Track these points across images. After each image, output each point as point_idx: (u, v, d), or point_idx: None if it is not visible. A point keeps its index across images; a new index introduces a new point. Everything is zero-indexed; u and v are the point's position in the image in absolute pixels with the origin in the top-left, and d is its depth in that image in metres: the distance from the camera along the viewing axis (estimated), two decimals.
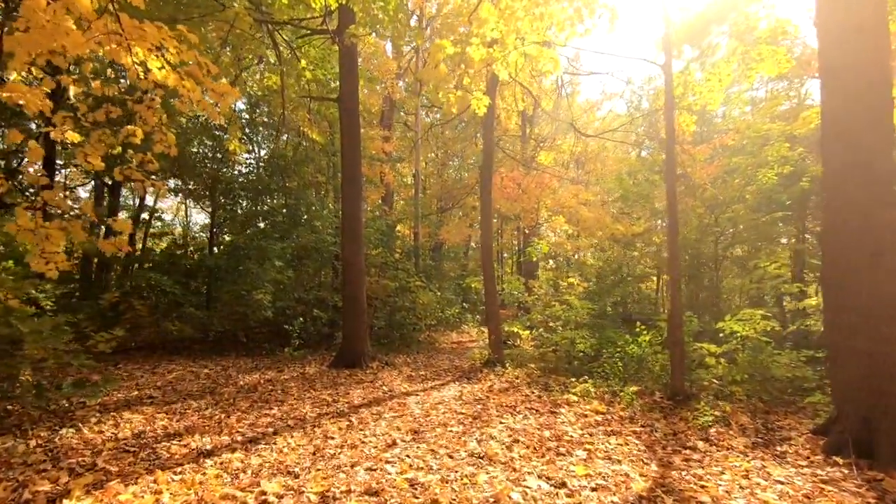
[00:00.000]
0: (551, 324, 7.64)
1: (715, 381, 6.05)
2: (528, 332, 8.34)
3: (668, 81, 6.13)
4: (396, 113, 20.72)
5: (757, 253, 12.52)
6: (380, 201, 18.44)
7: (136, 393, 6.04)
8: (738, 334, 6.34)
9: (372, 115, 19.34)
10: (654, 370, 6.62)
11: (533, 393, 6.26)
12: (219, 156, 11.08)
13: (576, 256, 19.35)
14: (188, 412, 5.16)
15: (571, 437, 4.51)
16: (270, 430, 4.58)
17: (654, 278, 17.57)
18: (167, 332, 9.17)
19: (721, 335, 6.63)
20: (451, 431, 4.61)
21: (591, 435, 4.60)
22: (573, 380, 6.83)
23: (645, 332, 6.81)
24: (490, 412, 5.36)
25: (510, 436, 4.50)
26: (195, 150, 10.57)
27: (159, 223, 16.35)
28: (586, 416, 5.25)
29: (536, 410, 5.44)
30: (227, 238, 12.21)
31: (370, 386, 6.79)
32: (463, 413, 5.31)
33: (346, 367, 8.13)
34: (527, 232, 18.71)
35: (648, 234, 12.71)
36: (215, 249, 11.53)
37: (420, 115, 17.25)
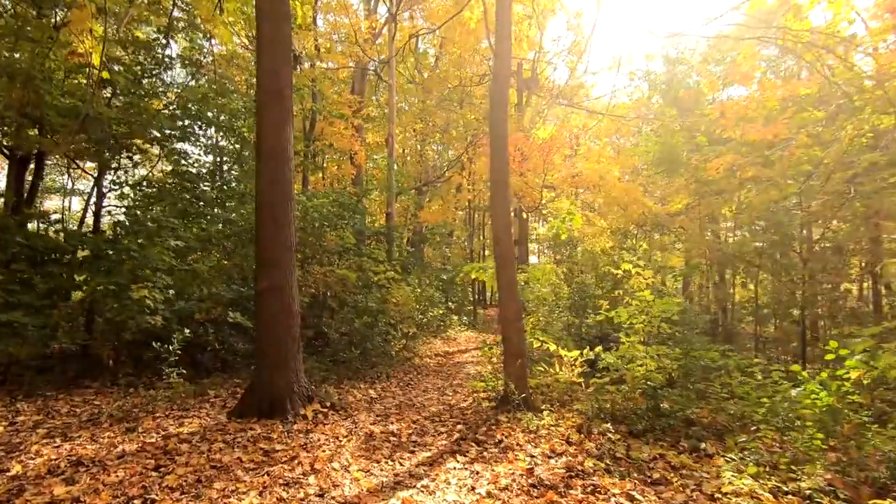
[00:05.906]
0: (623, 337, 4.32)
1: None
2: (576, 352, 4.97)
3: None
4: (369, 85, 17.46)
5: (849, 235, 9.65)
6: (350, 184, 15.08)
7: None
8: None
9: (341, 82, 16.22)
10: (846, 434, 3.39)
11: (633, 499, 2.91)
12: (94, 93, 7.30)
13: (581, 244, 16.28)
14: None
15: None
16: None
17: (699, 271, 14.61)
18: None
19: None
20: None
21: None
22: (682, 453, 3.54)
23: (849, 355, 3.53)
24: None
25: None
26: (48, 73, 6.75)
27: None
28: None
29: None
30: (122, 212, 8.47)
31: (284, 472, 3.31)
32: None
33: (258, 417, 4.61)
34: (525, 216, 15.46)
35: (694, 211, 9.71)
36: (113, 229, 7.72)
37: (394, 71, 13.74)
